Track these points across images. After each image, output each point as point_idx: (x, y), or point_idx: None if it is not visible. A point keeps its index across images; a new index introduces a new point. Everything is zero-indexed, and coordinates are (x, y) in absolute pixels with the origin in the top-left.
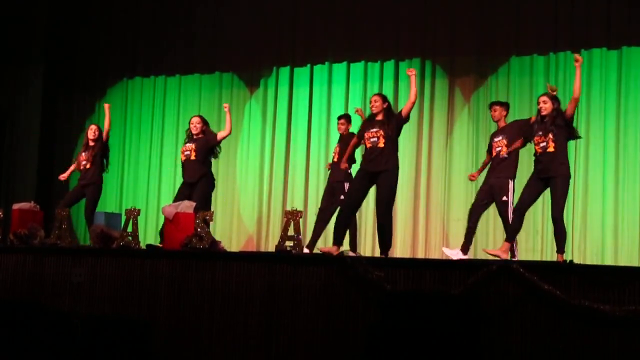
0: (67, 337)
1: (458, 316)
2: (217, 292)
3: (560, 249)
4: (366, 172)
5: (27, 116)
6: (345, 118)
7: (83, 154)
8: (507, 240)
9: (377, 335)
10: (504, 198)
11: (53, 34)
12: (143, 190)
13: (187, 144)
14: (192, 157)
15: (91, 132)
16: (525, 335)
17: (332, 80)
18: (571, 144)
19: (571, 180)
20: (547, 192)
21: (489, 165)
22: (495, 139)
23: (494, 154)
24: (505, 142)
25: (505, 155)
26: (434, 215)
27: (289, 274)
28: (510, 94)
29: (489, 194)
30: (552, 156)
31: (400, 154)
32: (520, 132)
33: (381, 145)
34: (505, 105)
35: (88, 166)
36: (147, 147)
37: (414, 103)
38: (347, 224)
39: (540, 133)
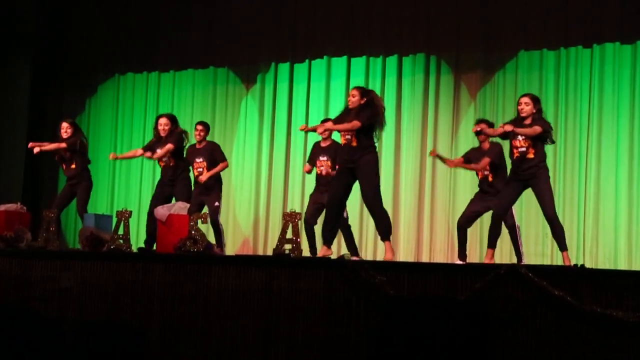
0: (56, 343)
1: (464, 322)
2: (213, 298)
3: (563, 247)
4: (345, 168)
5: (13, 114)
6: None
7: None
8: (490, 247)
9: (380, 341)
10: None
11: (41, 27)
12: (135, 191)
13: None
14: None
15: (62, 130)
16: (535, 342)
17: (331, 76)
18: (583, 142)
19: (583, 181)
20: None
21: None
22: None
23: (480, 176)
24: (489, 168)
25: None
26: (439, 217)
27: (287, 279)
28: (518, 91)
29: (485, 204)
30: (530, 162)
31: (403, 154)
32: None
33: (354, 144)
34: (490, 125)
35: (73, 166)
36: (139, 146)
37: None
38: (337, 223)
39: (522, 138)
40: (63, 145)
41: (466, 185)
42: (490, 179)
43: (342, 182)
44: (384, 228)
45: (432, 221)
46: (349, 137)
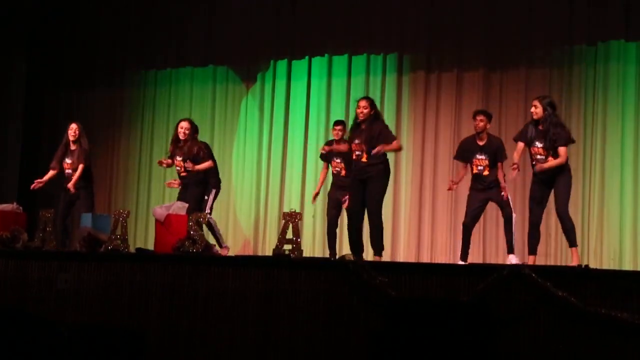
0: (52, 346)
1: (466, 324)
2: (212, 299)
3: (573, 242)
4: (356, 179)
5: (9, 113)
6: (343, 124)
7: (67, 159)
8: (530, 253)
9: (381, 344)
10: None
11: (37, 25)
12: (133, 191)
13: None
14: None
15: (71, 131)
16: (538, 344)
17: (332, 74)
18: (587, 140)
19: (587, 180)
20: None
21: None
22: (479, 157)
23: (475, 170)
24: (487, 163)
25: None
26: (440, 217)
27: (287, 279)
28: (520, 89)
29: (484, 203)
30: (552, 170)
31: (404, 152)
32: (499, 155)
33: (364, 160)
34: (490, 117)
35: (76, 176)
36: (137, 145)
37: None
38: (360, 234)
39: (540, 145)
40: (81, 166)
41: (468, 184)
42: (486, 172)
43: (360, 193)
44: (379, 244)
45: (433, 221)
46: (359, 153)
